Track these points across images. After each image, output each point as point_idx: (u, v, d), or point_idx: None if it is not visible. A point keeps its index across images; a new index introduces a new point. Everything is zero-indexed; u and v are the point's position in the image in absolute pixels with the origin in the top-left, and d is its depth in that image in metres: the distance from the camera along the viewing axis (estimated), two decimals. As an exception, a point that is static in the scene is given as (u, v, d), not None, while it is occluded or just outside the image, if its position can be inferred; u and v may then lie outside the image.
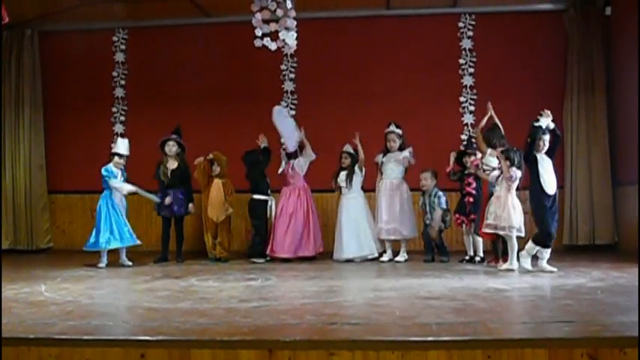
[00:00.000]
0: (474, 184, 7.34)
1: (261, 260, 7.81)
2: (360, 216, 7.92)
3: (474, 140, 7.64)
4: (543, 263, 6.39)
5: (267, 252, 7.86)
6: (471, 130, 8.96)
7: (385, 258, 7.75)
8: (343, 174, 7.99)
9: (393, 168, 7.83)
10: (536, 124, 6.41)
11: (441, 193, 7.57)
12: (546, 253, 6.41)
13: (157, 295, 5.31)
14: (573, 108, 8.72)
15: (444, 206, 7.50)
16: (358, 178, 7.98)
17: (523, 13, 9.07)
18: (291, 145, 8.08)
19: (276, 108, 8.28)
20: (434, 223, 7.47)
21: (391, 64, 9.20)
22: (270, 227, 8.01)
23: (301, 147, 8.08)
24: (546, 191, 6.39)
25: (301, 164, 8.05)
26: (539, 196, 6.41)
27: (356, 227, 7.84)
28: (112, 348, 3.59)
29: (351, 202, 7.95)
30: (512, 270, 6.48)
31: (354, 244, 7.81)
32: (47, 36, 9.72)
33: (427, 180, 7.59)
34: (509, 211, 6.54)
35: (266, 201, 8.07)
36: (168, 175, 7.87)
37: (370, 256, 7.80)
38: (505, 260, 6.82)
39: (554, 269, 6.33)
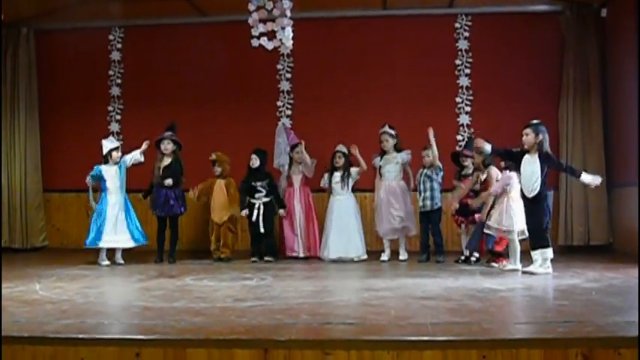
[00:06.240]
0: None
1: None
2: (350, 217, 7.92)
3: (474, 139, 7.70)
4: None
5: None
6: (467, 130, 8.98)
7: (385, 257, 7.76)
8: (338, 175, 7.98)
9: (390, 169, 7.84)
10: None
11: (440, 171, 7.59)
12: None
13: (153, 294, 5.30)
14: (569, 109, 8.73)
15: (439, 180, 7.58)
16: (351, 181, 7.99)
17: (519, 14, 9.08)
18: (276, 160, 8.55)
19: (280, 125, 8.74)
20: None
21: (387, 64, 9.20)
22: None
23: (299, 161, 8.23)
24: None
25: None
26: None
27: (345, 228, 7.84)
28: (107, 347, 3.58)
29: (342, 203, 7.95)
30: (516, 270, 6.52)
31: (342, 245, 7.81)
32: (43, 34, 9.69)
33: (429, 157, 7.59)
34: (509, 215, 6.57)
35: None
36: (160, 173, 7.82)
37: (356, 259, 7.78)
38: (498, 261, 6.89)
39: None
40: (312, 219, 8.15)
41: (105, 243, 7.54)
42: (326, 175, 8.05)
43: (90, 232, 7.54)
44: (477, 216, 7.11)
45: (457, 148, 8.59)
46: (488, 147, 6.55)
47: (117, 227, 7.57)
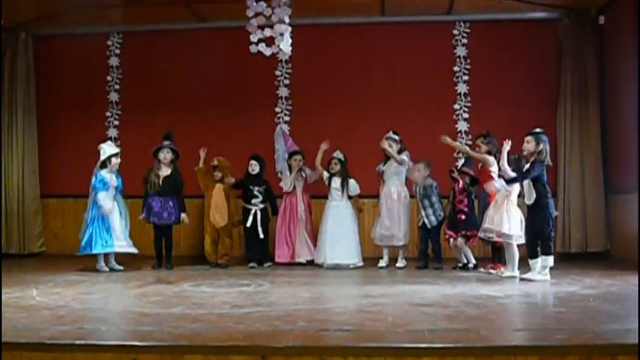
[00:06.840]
0: (466, 202, 7.27)
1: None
2: (347, 224, 7.90)
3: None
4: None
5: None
6: (465, 137, 8.99)
7: (383, 264, 7.75)
8: (338, 180, 7.97)
9: (393, 175, 7.83)
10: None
11: (434, 183, 7.53)
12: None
13: (150, 300, 5.29)
14: (567, 116, 8.75)
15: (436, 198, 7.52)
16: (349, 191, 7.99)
17: (517, 21, 9.11)
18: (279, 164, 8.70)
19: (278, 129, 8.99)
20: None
21: (386, 70, 9.22)
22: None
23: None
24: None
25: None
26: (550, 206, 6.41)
27: (341, 235, 7.81)
28: (104, 353, 3.57)
29: (339, 210, 7.93)
30: (514, 277, 6.50)
31: (338, 251, 7.78)
32: (42, 39, 9.70)
33: (420, 171, 7.55)
34: (506, 219, 6.55)
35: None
36: (160, 182, 7.75)
37: (352, 266, 7.75)
38: (496, 267, 6.90)
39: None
40: (312, 224, 8.14)
41: (118, 248, 7.47)
42: (325, 174, 8.03)
43: (95, 237, 7.39)
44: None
45: (455, 155, 8.61)
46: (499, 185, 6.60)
47: (122, 232, 7.55)
